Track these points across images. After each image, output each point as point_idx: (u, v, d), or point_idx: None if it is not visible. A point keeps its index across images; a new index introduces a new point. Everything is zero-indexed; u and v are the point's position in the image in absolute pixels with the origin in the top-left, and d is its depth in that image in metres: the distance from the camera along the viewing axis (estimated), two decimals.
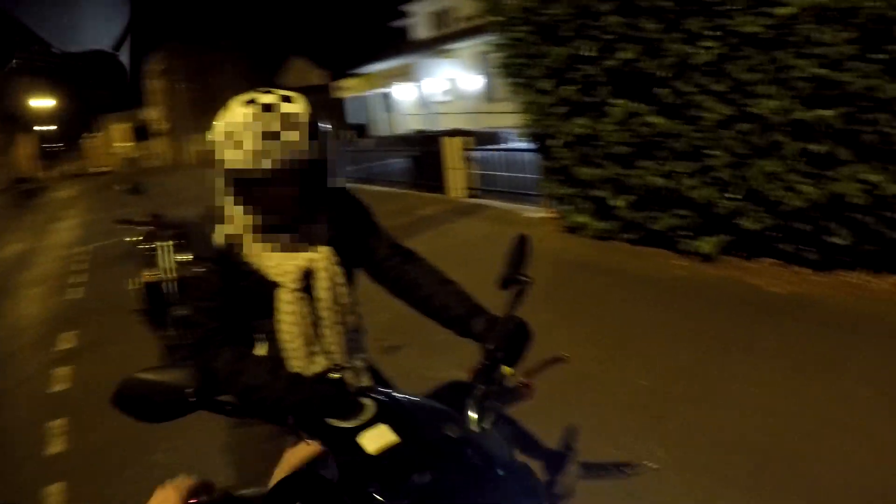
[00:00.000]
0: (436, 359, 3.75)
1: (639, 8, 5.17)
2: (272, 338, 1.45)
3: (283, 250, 1.41)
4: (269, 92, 1.28)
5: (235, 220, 1.38)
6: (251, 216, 1.37)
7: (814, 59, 4.23)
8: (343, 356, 1.51)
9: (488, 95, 20.54)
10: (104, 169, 50.03)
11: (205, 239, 1.40)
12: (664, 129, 5.29)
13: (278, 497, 0.95)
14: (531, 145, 7.27)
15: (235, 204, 1.37)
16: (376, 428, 1.08)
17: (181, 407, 1.15)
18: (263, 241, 1.40)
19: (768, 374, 3.45)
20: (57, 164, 60.65)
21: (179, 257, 4.01)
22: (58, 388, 4.52)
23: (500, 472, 1.08)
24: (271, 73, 35.36)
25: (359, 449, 1.04)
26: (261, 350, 1.47)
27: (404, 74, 24.91)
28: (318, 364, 1.47)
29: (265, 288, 1.41)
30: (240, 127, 1.23)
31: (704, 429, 2.99)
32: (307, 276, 1.44)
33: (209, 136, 1.29)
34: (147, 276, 4.07)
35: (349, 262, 1.52)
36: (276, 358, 1.45)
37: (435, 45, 23.07)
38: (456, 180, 10.43)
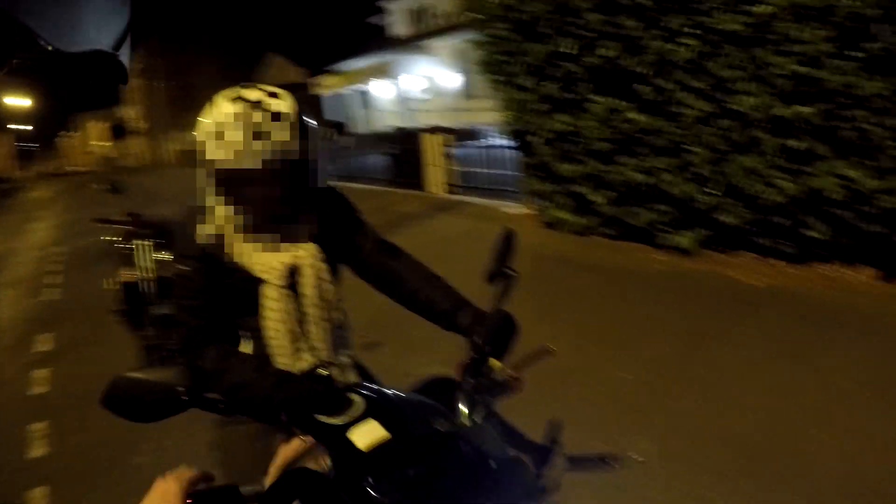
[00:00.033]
0: (415, 356, 3.74)
1: (619, 5, 5.21)
2: (258, 335, 1.44)
3: (268, 248, 1.40)
4: (254, 87, 1.26)
5: (220, 218, 1.37)
6: (237, 214, 1.35)
7: (792, 56, 4.30)
8: (329, 353, 1.50)
9: (467, 92, 20.50)
10: (81, 168, 49.17)
11: (188, 237, 1.37)
12: (645, 125, 5.34)
13: (276, 493, 0.94)
14: (511, 142, 7.29)
15: (221, 202, 1.35)
16: (366, 424, 1.07)
17: (173, 405, 1.13)
18: (249, 240, 1.38)
19: (749, 365, 3.51)
20: (33, 164, 59.46)
21: (158, 256, 3.96)
22: (37, 390, 4.43)
23: (493, 466, 1.08)
24: (249, 70, 34.99)
25: (350, 445, 1.03)
26: (246, 348, 1.46)
27: (382, 71, 24.74)
28: (305, 361, 1.46)
29: (250, 285, 1.40)
30: (228, 125, 1.21)
31: (688, 420, 3.03)
32: (293, 273, 1.42)
33: (194, 134, 1.27)
34: (125, 275, 4.01)
35: (334, 258, 1.51)
36: (262, 355, 1.44)
37: (413, 42, 22.99)
38: (436, 177, 10.44)
